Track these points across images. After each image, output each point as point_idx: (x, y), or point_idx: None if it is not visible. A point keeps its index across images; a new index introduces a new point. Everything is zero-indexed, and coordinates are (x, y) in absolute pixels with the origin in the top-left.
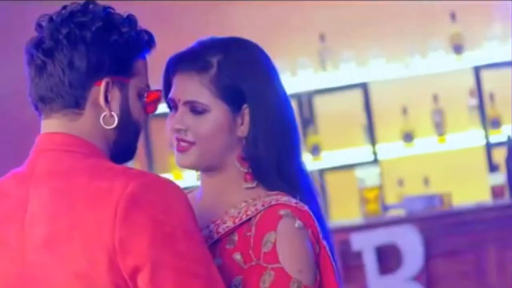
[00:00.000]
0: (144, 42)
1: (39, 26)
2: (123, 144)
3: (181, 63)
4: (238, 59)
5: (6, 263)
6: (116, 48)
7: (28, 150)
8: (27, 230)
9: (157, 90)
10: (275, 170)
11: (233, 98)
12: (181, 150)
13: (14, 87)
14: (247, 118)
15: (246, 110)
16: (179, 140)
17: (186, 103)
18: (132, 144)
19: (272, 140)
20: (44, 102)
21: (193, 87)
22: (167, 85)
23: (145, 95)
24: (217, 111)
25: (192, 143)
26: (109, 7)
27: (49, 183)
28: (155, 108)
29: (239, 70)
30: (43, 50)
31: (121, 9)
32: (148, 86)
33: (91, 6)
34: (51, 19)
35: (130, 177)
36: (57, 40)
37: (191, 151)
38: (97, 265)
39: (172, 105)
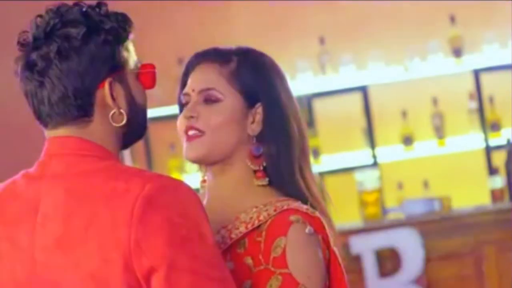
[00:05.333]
0: (125, 27)
1: (22, 45)
2: (135, 130)
3: (202, 57)
4: (256, 62)
5: (16, 264)
6: (107, 46)
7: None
8: (38, 231)
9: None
10: (293, 171)
11: (248, 93)
12: (190, 139)
13: None
14: (258, 117)
15: (259, 109)
16: (188, 128)
17: (202, 91)
18: (143, 126)
19: (287, 142)
20: (51, 119)
21: (212, 76)
22: (184, 86)
23: (140, 68)
24: (231, 101)
25: (201, 132)
26: (79, 4)
27: (64, 184)
28: (153, 81)
29: (257, 71)
30: (38, 72)
31: (119, 8)
32: (139, 61)
33: (63, 9)
34: (35, 38)
35: (146, 179)
36: (48, 59)
37: (200, 141)
38: (112, 265)
39: (185, 102)
